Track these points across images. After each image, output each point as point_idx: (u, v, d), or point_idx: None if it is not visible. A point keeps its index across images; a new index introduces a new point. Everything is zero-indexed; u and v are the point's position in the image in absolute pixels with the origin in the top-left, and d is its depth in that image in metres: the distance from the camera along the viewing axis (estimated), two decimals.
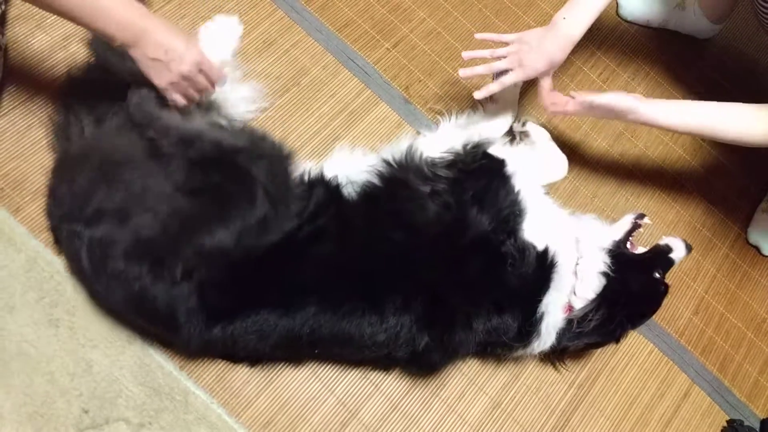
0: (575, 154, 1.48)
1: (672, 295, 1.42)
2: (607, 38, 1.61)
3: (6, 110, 1.20)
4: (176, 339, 1.03)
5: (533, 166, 1.24)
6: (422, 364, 1.12)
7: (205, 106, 1.13)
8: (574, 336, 1.15)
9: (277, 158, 1.05)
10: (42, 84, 1.22)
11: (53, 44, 1.25)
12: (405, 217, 1.09)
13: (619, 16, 1.65)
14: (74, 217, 0.99)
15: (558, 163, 1.33)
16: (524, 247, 1.10)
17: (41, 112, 1.20)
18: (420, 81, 1.45)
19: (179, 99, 1.01)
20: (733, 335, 1.43)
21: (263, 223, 0.99)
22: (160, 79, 0.97)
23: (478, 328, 1.07)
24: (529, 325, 1.10)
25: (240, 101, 1.22)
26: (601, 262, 1.15)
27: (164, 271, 0.96)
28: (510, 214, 1.11)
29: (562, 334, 1.15)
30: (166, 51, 0.94)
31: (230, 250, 0.97)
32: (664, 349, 1.37)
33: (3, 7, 1.21)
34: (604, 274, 1.14)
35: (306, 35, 1.42)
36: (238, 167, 1.00)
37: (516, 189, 1.13)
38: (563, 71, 1.54)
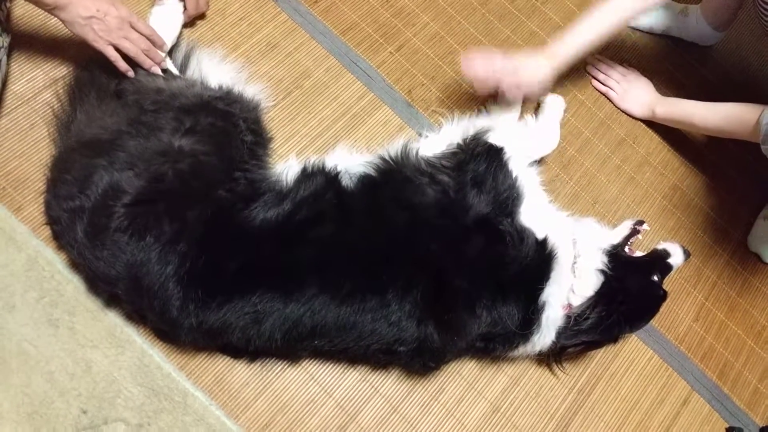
0: (577, 159, 1.48)
1: (672, 301, 1.42)
2: (610, 44, 1.61)
3: (9, 109, 1.20)
4: (170, 318, 1.00)
5: (528, 144, 1.29)
6: (424, 353, 1.09)
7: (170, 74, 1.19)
8: (573, 334, 1.15)
9: (248, 102, 1.17)
10: (45, 83, 1.22)
11: (56, 44, 1.26)
12: (404, 200, 1.10)
13: None
14: (76, 196, 1.00)
15: (552, 137, 1.36)
16: (522, 230, 1.11)
17: (44, 111, 1.20)
18: (423, 84, 1.45)
19: (112, 52, 1.09)
20: (733, 342, 1.43)
21: (252, 152, 1.11)
22: (96, 35, 1.06)
23: (481, 313, 1.06)
24: (532, 312, 1.10)
25: (219, 72, 1.24)
26: (598, 261, 1.16)
27: (168, 222, 0.97)
28: (508, 197, 1.13)
29: (560, 333, 1.15)
30: (98, 9, 1.05)
31: (233, 186, 1.04)
32: (664, 356, 1.37)
33: (7, 5, 1.21)
34: (602, 272, 1.15)
35: (309, 38, 1.42)
36: (219, 109, 1.10)
37: (514, 174, 1.15)
38: (567, 76, 1.54)
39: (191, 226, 0.99)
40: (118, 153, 1.00)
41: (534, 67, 1.25)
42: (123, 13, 1.08)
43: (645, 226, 1.27)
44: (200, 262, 0.98)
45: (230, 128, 1.09)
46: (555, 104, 1.41)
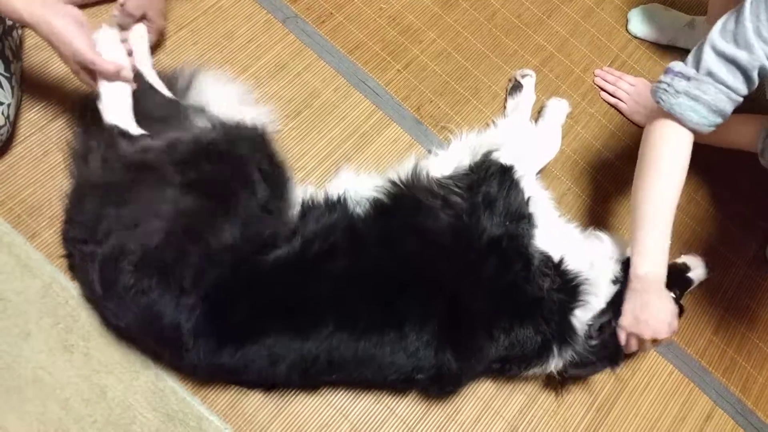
0: (588, 172, 1.47)
1: (691, 314, 1.39)
2: (618, 56, 1.61)
3: (23, 137, 1.22)
4: (184, 362, 1.02)
5: (533, 152, 1.27)
6: (442, 378, 1.07)
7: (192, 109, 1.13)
8: (587, 352, 1.13)
9: (256, 135, 1.09)
10: (58, 111, 1.24)
11: (70, 72, 1.27)
12: (417, 227, 1.09)
13: (628, 32, 1.65)
14: (87, 240, 1.01)
15: (554, 142, 1.35)
16: (538, 250, 1.10)
17: (58, 139, 1.21)
18: (431, 101, 1.45)
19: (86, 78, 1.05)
20: (755, 355, 1.40)
21: (266, 208, 1.03)
22: (60, 56, 1.03)
23: (498, 336, 1.05)
24: (553, 333, 1.08)
25: (225, 102, 1.20)
26: (610, 271, 1.14)
27: (174, 279, 0.96)
28: (521, 217, 1.12)
29: (577, 350, 1.12)
30: (55, 42, 0.99)
31: (240, 245, 0.99)
32: (685, 371, 1.34)
33: (18, 32, 1.23)
34: (615, 281, 1.13)
35: (317, 58, 1.43)
36: (221, 153, 1.03)
37: (525, 193, 1.14)
38: (574, 89, 1.54)
39: (200, 280, 0.97)
40: (126, 206, 0.99)
41: (665, 317, 1.06)
42: (82, 55, 1.02)
43: None
44: (211, 310, 0.97)
45: (239, 183, 1.02)
46: (557, 108, 1.40)
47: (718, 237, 1.48)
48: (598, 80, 1.56)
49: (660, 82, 1.09)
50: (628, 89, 1.53)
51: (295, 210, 1.09)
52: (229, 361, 0.99)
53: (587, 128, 1.51)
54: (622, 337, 1.09)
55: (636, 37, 1.64)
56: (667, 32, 1.63)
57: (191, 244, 0.98)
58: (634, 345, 1.09)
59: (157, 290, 0.96)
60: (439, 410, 1.20)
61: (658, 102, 1.08)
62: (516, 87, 1.44)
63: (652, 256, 1.07)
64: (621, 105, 1.53)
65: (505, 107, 1.46)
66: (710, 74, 1.03)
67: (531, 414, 1.24)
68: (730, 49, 1.00)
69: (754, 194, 1.53)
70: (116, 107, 1.06)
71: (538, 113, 1.44)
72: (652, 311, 1.06)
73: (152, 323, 0.98)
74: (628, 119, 1.53)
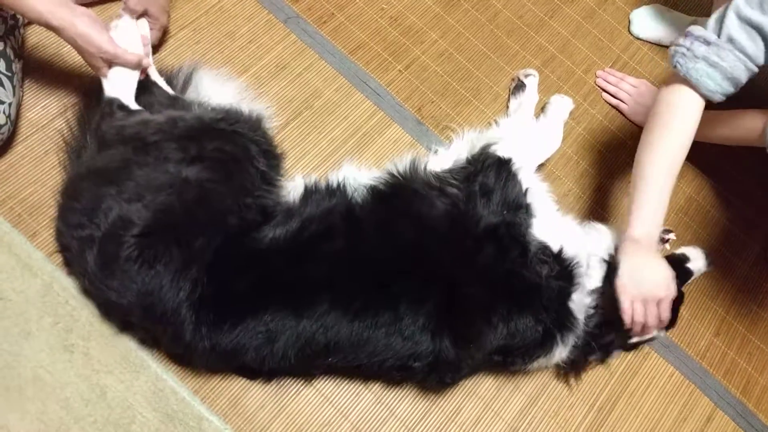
0: (590, 173, 1.47)
1: (692, 315, 1.39)
2: (620, 57, 1.61)
3: (24, 136, 1.22)
4: (184, 343, 1.00)
5: (533, 146, 1.27)
6: (440, 367, 1.06)
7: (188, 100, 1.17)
8: (586, 338, 1.12)
9: (253, 119, 1.13)
10: (59, 110, 1.24)
11: (70, 71, 1.27)
12: (414, 213, 1.09)
13: (631, 33, 1.65)
14: (86, 225, 1.00)
15: (555, 138, 1.35)
16: (536, 239, 1.10)
17: (58, 138, 1.21)
18: (432, 102, 1.45)
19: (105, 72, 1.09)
20: (756, 357, 1.40)
21: (265, 178, 1.08)
22: (82, 53, 1.07)
23: (497, 324, 1.04)
24: (553, 322, 1.08)
25: (223, 99, 1.22)
26: (605, 252, 1.14)
27: (178, 250, 0.96)
28: (519, 206, 1.11)
29: (577, 340, 1.12)
30: (80, 42, 1.04)
31: (244, 214, 1.02)
32: (686, 372, 1.34)
33: (21, 32, 1.23)
34: (604, 261, 1.13)
35: (319, 58, 1.43)
36: (224, 131, 1.07)
37: (523, 184, 1.14)
38: (576, 90, 1.54)
39: (201, 253, 0.98)
40: (127, 182, 0.99)
41: (660, 279, 1.08)
42: (106, 54, 1.08)
43: (671, 236, 1.23)
44: (211, 285, 0.98)
45: (240, 154, 1.07)
46: (560, 104, 1.41)
47: (719, 238, 1.48)
48: (599, 81, 1.56)
49: (679, 45, 1.07)
50: (630, 90, 1.53)
51: (298, 193, 1.11)
52: (228, 338, 0.98)
53: (589, 129, 1.51)
54: (626, 303, 1.06)
55: (638, 39, 1.64)
56: (670, 33, 1.62)
57: (196, 212, 0.99)
58: (639, 312, 1.06)
59: (161, 261, 0.96)
60: (439, 411, 1.20)
61: (675, 66, 1.07)
62: (519, 87, 1.44)
63: (649, 219, 1.07)
64: (622, 106, 1.53)
65: (507, 107, 1.46)
66: (731, 40, 1.02)
67: (531, 415, 1.24)
68: (756, 16, 1.00)
69: (756, 195, 1.53)
70: (121, 84, 1.11)
71: (541, 111, 1.44)
72: (647, 271, 1.07)
73: (153, 298, 0.97)
74: (630, 120, 1.53)
